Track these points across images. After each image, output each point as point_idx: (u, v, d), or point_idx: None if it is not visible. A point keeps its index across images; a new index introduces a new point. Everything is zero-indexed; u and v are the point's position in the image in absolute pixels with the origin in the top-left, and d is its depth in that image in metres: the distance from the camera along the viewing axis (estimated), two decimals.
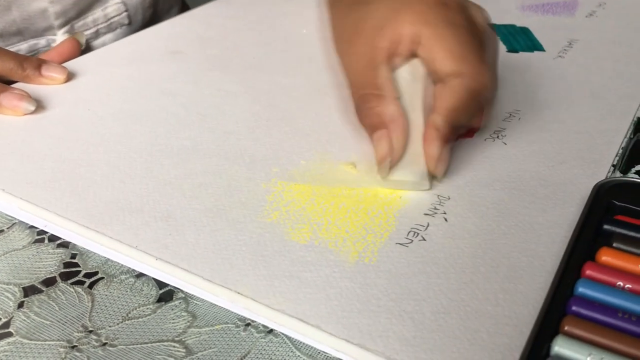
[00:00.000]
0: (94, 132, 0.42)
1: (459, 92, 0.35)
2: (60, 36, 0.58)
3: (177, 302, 0.31)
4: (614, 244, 0.29)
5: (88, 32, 0.60)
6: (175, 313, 0.31)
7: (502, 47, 0.56)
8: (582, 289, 0.26)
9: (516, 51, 0.55)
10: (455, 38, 0.35)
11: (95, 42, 0.61)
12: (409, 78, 0.37)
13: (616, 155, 0.40)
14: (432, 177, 0.37)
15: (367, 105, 0.37)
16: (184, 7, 0.73)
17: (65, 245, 0.35)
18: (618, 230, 0.30)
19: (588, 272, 0.27)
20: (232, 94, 0.48)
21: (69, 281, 0.32)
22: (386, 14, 0.37)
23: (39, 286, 0.32)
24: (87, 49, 0.58)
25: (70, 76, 0.50)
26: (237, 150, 0.40)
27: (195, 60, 0.53)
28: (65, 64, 0.51)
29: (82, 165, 0.39)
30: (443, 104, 0.35)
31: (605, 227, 0.30)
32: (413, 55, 0.37)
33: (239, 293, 0.29)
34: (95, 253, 0.34)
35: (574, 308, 0.25)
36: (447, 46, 0.35)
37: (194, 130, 0.43)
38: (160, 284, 0.32)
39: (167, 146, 0.41)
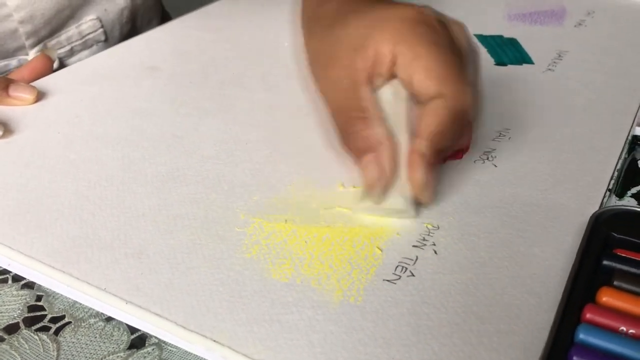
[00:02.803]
0: (62, 157, 0.40)
1: (441, 114, 0.33)
2: (32, 56, 0.56)
3: (149, 349, 0.29)
4: (615, 282, 0.27)
5: (62, 51, 0.57)
6: None
7: (489, 60, 0.54)
8: (582, 336, 0.25)
9: (504, 64, 0.53)
10: (433, 57, 0.34)
11: (70, 60, 0.59)
12: (392, 99, 0.36)
13: (611, 178, 0.38)
14: (418, 204, 0.35)
15: (353, 129, 0.35)
16: (165, 19, 0.71)
17: (30, 285, 0.32)
18: (618, 266, 0.28)
19: (588, 315, 0.25)
20: (210, 113, 0.45)
21: (34, 327, 0.30)
22: (363, 33, 0.35)
23: (0, 334, 0.30)
24: (61, 67, 0.55)
25: (40, 96, 0.47)
26: (214, 177, 0.38)
27: (172, 77, 0.51)
28: (35, 83, 0.49)
29: (49, 195, 0.37)
30: (426, 128, 0.33)
31: (605, 262, 0.28)
32: (393, 75, 0.35)
33: (215, 341, 0.27)
34: (62, 294, 0.31)
35: (575, 359, 0.24)
36: (425, 65, 0.34)
37: (170, 155, 0.41)
38: (132, 328, 0.30)
39: (141, 173, 0.39)
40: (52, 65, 0.53)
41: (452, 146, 0.36)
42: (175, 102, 0.47)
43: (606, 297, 0.26)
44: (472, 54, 0.36)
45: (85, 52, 0.60)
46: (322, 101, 0.36)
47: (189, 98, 0.47)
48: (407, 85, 0.34)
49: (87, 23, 0.58)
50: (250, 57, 0.54)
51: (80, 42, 0.59)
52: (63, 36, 0.57)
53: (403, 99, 0.35)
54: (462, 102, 0.33)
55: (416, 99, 0.35)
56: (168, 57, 0.55)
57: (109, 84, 0.49)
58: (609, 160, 0.40)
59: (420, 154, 0.33)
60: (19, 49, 0.55)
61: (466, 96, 0.33)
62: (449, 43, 0.34)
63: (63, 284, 0.31)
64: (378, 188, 0.34)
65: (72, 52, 0.59)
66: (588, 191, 0.37)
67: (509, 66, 0.53)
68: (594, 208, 0.35)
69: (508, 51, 0.55)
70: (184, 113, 0.45)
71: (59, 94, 0.48)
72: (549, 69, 0.52)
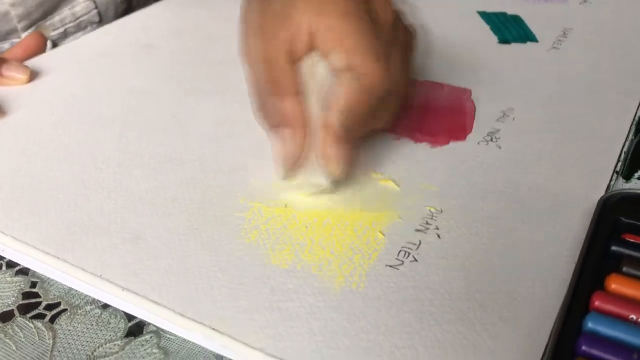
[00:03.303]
0: (57, 139, 0.39)
1: (350, 88, 0.32)
2: None
3: (147, 337, 0.28)
4: (624, 269, 0.27)
5: (55, 33, 0.56)
6: (145, 350, 0.28)
7: (493, 38, 0.53)
8: (591, 325, 0.24)
9: (508, 42, 0.52)
10: (346, 28, 0.32)
11: (64, 42, 0.57)
12: (311, 72, 0.35)
13: (618, 161, 0.37)
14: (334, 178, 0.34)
15: (267, 101, 0.34)
16: None
17: (24, 272, 0.32)
18: (627, 252, 0.28)
19: (597, 303, 0.25)
20: (207, 92, 0.44)
21: (29, 315, 0.29)
22: (284, 4, 0.34)
23: None
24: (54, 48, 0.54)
25: (33, 75, 0.46)
26: (213, 158, 0.38)
27: (169, 55, 0.50)
28: (28, 62, 0.48)
29: (43, 180, 0.36)
30: (336, 102, 0.32)
31: (613, 248, 0.28)
32: (312, 48, 0.34)
33: (214, 329, 0.27)
34: (57, 281, 0.31)
35: (583, 348, 0.23)
36: (338, 38, 0.32)
37: (167, 135, 0.40)
38: (130, 316, 0.29)
39: (137, 154, 0.38)
40: (45, 43, 0.52)
41: (369, 123, 0.35)
42: (173, 81, 0.46)
43: (615, 284, 0.26)
44: (402, 33, 0.35)
45: (79, 34, 0.58)
46: (245, 71, 0.36)
47: (187, 77, 0.46)
48: (324, 57, 0.33)
49: (81, 4, 0.57)
50: None
51: (73, 24, 0.57)
52: (56, 18, 0.56)
53: (321, 72, 0.34)
54: (372, 78, 0.32)
55: (332, 72, 0.34)
56: (165, 35, 0.53)
57: (105, 62, 0.48)
58: (615, 141, 0.39)
59: (326, 127, 0.32)
60: (11, 32, 0.54)
61: (377, 73, 0.32)
62: (370, 18, 0.33)
63: (58, 270, 0.30)
64: (286, 163, 0.33)
65: (65, 34, 0.57)
66: (594, 174, 0.36)
67: (513, 44, 0.52)
68: (601, 191, 0.35)
69: (512, 29, 0.54)
70: (181, 92, 0.44)
71: (53, 73, 0.47)
72: (554, 47, 0.51)
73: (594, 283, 0.26)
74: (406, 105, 0.39)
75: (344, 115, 0.32)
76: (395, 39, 0.34)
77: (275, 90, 0.34)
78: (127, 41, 0.52)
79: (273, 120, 0.34)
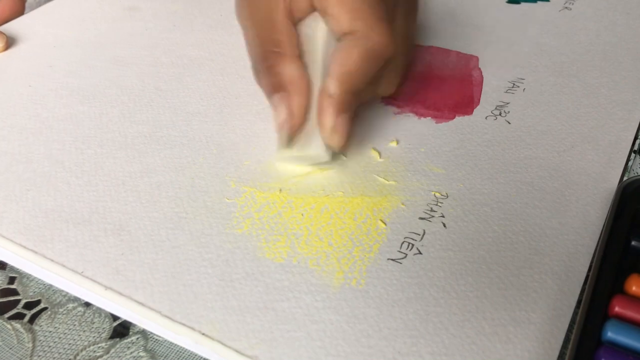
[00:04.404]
0: (34, 115, 0.37)
1: (351, 52, 0.30)
2: None
3: (134, 338, 0.27)
4: None
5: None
6: (131, 352, 0.26)
7: None
8: (611, 334, 0.22)
9: (517, 2, 0.49)
10: None
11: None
12: (311, 34, 0.32)
13: (635, 137, 0.35)
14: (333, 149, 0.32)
15: (266, 64, 0.32)
16: None
17: (2, 266, 0.30)
18: None
19: (617, 309, 0.23)
20: (195, 61, 0.41)
21: (6, 315, 0.27)
22: None
23: None
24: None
25: (9, 42, 0.43)
26: (202, 137, 0.35)
27: (153, 18, 0.46)
28: (3, 27, 0.45)
29: (19, 161, 0.33)
30: (337, 68, 0.30)
31: (634, 243, 0.26)
32: (314, 8, 0.32)
33: (203, 334, 0.25)
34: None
35: None
36: (341, 0, 0.30)
37: (152, 111, 0.37)
38: (115, 314, 0.27)
39: (121, 133, 0.35)
40: (23, 6, 0.48)
41: (370, 91, 0.33)
42: (158, 48, 0.43)
43: (636, 286, 0.24)
44: None
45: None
46: (242, 31, 0.33)
47: (173, 44, 0.43)
48: (325, 20, 0.31)
49: None
50: None
51: None
52: None
53: (321, 34, 0.32)
54: (377, 42, 0.30)
55: (333, 35, 0.31)
56: None
57: (86, 28, 0.45)
58: (632, 115, 0.37)
59: (328, 95, 0.30)
60: None
61: (382, 36, 0.30)
62: None
63: (36, 266, 0.28)
64: (285, 131, 0.31)
65: None
66: (610, 151, 0.34)
67: (522, 4, 0.49)
68: (618, 171, 0.32)
69: None
70: (167, 62, 0.41)
71: (29, 40, 0.44)
72: (566, 7, 0.48)
73: (613, 285, 0.24)
74: (408, 72, 0.37)
75: (344, 80, 0.30)
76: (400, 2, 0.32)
77: (275, 51, 0.31)
78: (109, 3, 0.48)
79: (271, 82, 0.31)
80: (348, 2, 0.30)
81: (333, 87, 0.30)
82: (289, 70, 0.31)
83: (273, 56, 0.31)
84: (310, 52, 0.32)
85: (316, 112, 0.31)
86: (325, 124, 0.30)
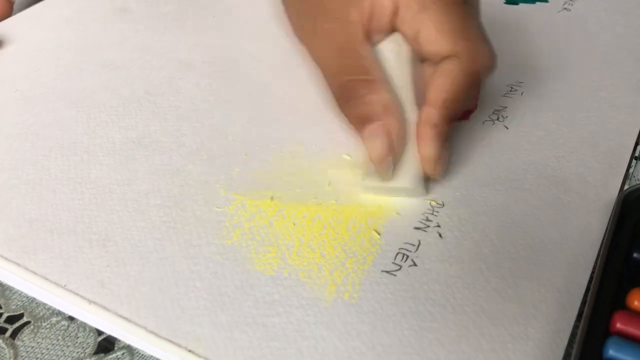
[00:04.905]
0: (19, 121, 0.36)
1: (455, 77, 0.29)
2: None
3: (119, 354, 0.26)
4: None
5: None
6: None
7: None
8: (612, 352, 0.21)
9: (515, 3, 0.48)
10: (444, 8, 0.29)
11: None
12: (392, 57, 0.31)
13: (636, 143, 0.34)
14: (427, 180, 0.31)
15: (353, 94, 0.29)
16: None
17: None
18: None
19: (619, 325, 0.22)
20: (186, 65, 0.40)
21: None
22: None
23: None
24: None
25: None
26: (191, 143, 0.34)
27: (144, 21, 0.45)
28: None
29: (4, 169, 0.32)
30: (438, 95, 0.29)
31: (635, 255, 0.25)
32: (394, 29, 0.30)
33: (190, 351, 0.24)
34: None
35: None
36: (436, 19, 0.29)
37: (140, 116, 0.36)
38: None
39: (108, 139, 0.34)
40: (11, 8, 0.47)
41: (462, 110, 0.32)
42: (148, 51, 0.42)
43: (638, 301, 0.23)
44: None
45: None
46: (312, 61, 0.32)
47: (163, 47, 0.42)
48: (412, 41, 0.30)
49: None
50: None
51: None
52: None
53: (406, 57, 0.30)
54: (481, 63, 0.29)
55: (423, 58, 0.30)
56: None
57: (74, 30, 0.44)
58: (633, 118, 0.36)
59: (432, 125, 0.28)
60: None
61: (485, 56, 0.29)
62: None
63: (18, 278, 0.27)
64: (386, 163, 0.29)
65: None
66: (610, 157, 0.33)
67: (521, 5, 0.48)
68: (618, 179, 0.32)
69: None
70: (157, 65, 0.40)
71: (16, 43, 0.43)
72: (565, 9, 0.47)
73: (614, 300, 0.23)
74: None
75: (448, 107, 0.28)
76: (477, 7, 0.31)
77: (362, 79, 0.29)
78: (99, 4, 0.47)
79: (362, 113, 0.29)
80: (446, 23, 0.28)
81: (437, 116, 0.28)
82: (381, 98, 0.29)
83: (360, 85, 0.29)
84: (393, 77, 0.30)
85: (412, 142, 0.29)
86: (430, 155, 0.29)
